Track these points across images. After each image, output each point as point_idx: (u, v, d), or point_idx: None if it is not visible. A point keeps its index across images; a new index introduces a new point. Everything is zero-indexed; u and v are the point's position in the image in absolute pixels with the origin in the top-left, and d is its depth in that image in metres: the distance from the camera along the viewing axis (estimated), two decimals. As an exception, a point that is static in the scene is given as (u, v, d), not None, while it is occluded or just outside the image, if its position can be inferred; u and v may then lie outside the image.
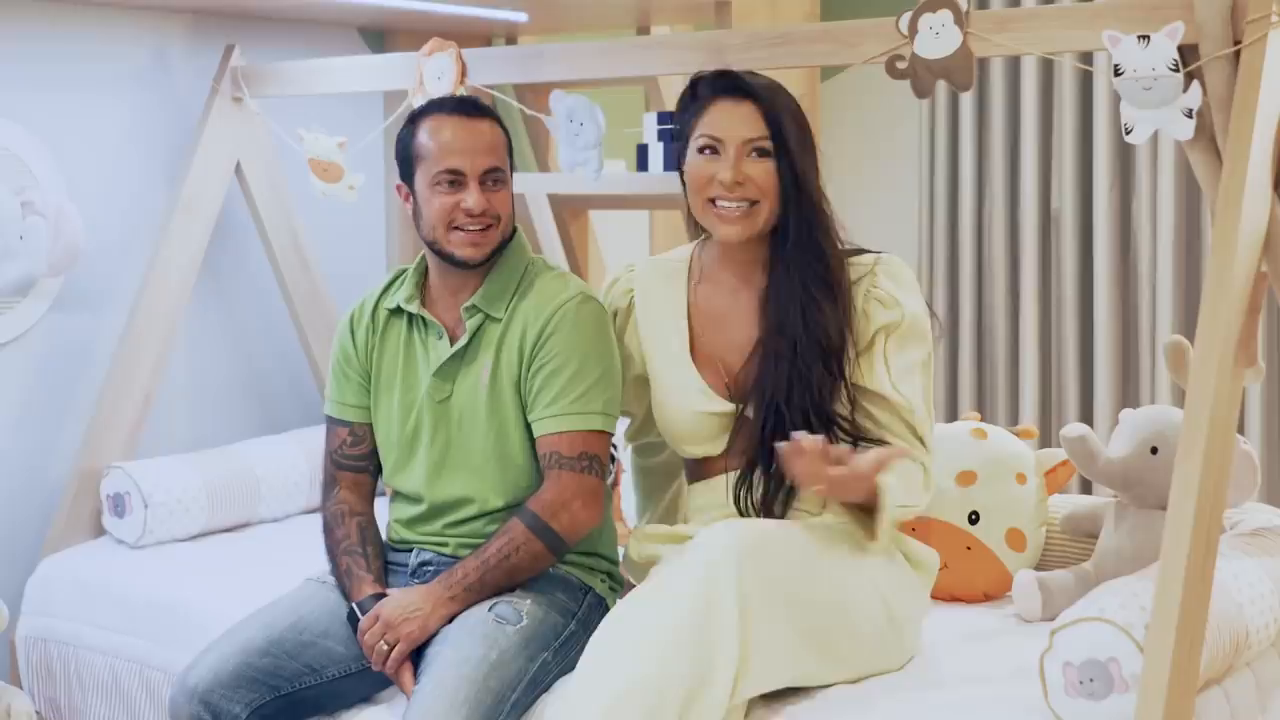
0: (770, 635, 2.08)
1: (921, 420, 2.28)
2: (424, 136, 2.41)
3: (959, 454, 2.77)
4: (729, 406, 2.36)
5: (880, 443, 2.27)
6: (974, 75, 2.31)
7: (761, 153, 2.30)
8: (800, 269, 2.30)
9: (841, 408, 2.29)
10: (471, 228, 2.38)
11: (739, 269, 2.39)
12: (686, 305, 2.45)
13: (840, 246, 2.35)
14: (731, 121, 2.30)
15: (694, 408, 2.38)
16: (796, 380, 2.27)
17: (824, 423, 2.27)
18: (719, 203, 2.31)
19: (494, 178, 2.39)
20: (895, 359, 2.29)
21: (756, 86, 2.32)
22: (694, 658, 2.02)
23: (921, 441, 2.29)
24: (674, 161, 2.44)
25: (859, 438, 2.28)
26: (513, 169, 2.47)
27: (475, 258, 2.39)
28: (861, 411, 2.30)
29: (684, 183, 2.39)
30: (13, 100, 3.17)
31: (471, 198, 2.37)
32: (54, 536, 3.16)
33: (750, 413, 2.33)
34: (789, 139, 2.30)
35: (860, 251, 2.37)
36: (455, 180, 2.38)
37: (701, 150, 2.32)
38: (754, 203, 2.30)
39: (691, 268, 2.47)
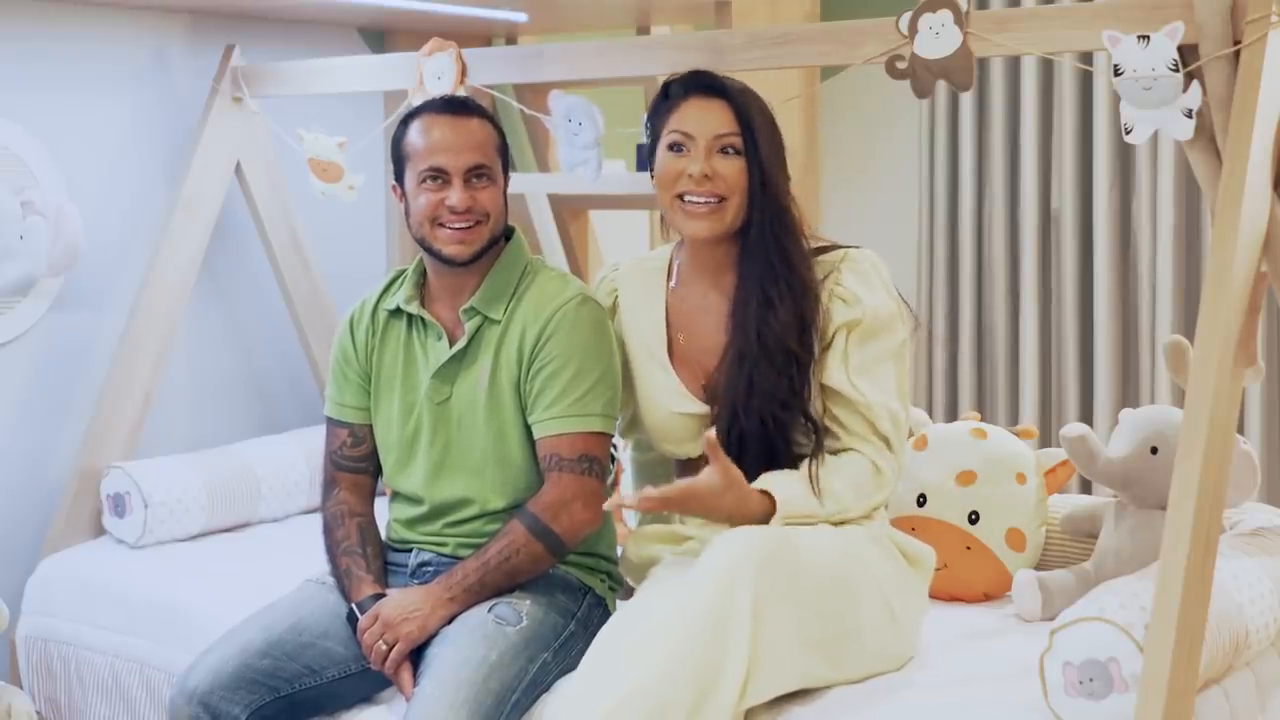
0: (780, 643, 2.08)
1: (883, 417, 2.28)
2: (412, 135, 2.42)
3: (959, 454, 2.77)
4: (703, 408, 2.36)
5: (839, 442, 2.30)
6: (974, 75, 2.31)
7: (731, 150, 2.31)
8: (759, 269, 2.31)
9: (802, 407, 2.29)
10: (456, 225, 2.37)
11: (710, 271, 2.40)
12: (665, 306, 2.45)
13: (808, 245, 2.35)
14: (702, 118, 2.31)
15: (670, 408, 2.39)
16: (756, 382, 2.27)
17: (780, 425, 2.28)
18: (687, 198, 2.31)
19: (478, 174, 2.39)
20: (855, 355, 2.29)
21: (728, 86, 2.34)
22: (702, 664, 2.02)
23: (883, 438, 2.29)
24: (647, 163, 2.44)
25: (819, 437, 2.30)
26: (508, 168, 2.46)
27: (461, 255, 2.39)
28: (826, 413, 2.30)
29: (654, 183, 2.41)
30: (13, 100, 3.17)
31: (455, 195, 2.37)
32: (54, 536, 3.16)
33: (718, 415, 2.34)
34: (759, 138, 2.31)
35: (831, 248, 2.38)
36: (439, 177, 2.38)
37: (671, 147, 2.33)
38: (721, 199, 2.31)
39: (670, 269, 2.48)
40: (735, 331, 2.33)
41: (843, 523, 2.28)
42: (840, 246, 2.38)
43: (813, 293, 2.31)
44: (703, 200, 2.30)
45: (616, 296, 2.51)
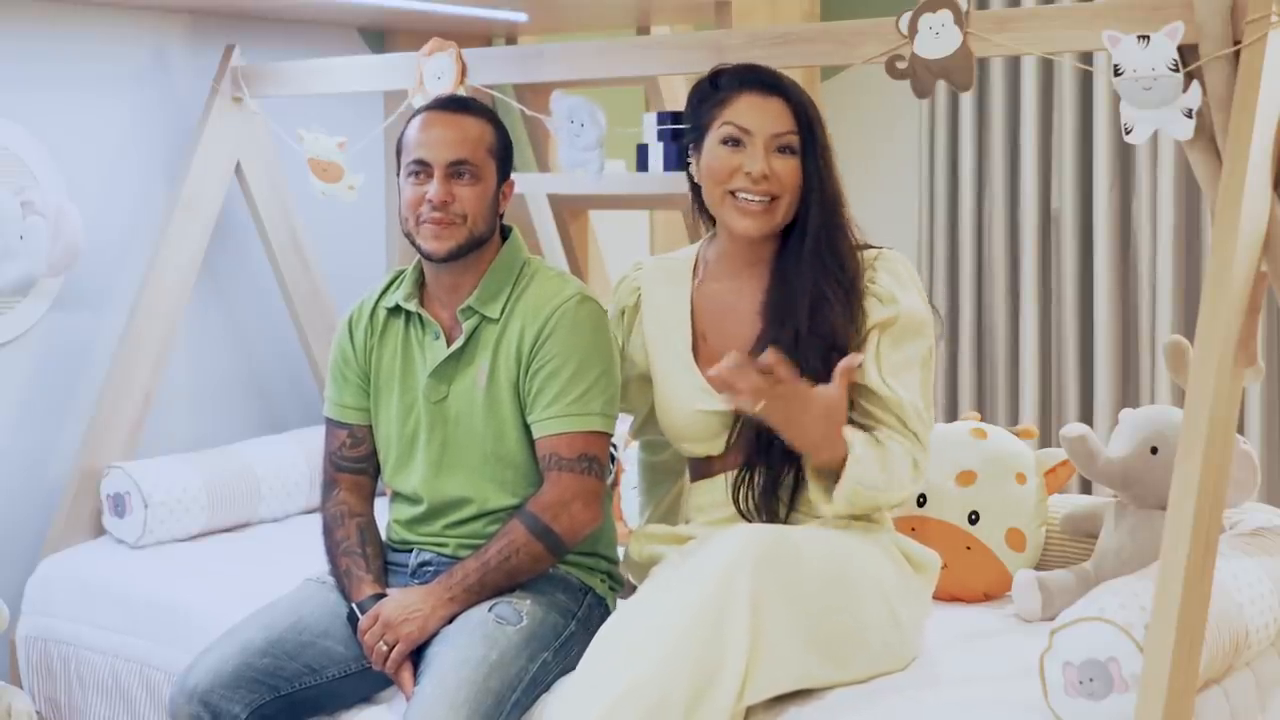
0: (779, 642, 2.08)
1: (913, 416, 2.27)
2: (409, 131, 2.43)
3: (959, 454, 2.76)
4: (728, 406, 2.35)
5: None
6: (974, 75, 2.31)
7: (787, 149, 2.30)
8: (815, 267, 2.30)
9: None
10: (435, 220, 2.37)
11: (744, 267, 2.39)
12: (690, 304, 2.45)
13: (856, 245, 2.35)
14: (760, 114, 2.30)
15: (695, 407, 2.38)
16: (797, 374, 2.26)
17: None
18: (740, 195, 2.30)
19: (460, 170, 2.38)
20: (889, 355, 2.28)
21: (785, 83, 2.33)
22: (700, 661, 2.02)
23: (915, 435, 2.28)
24: (677, 158, 2.42)
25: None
26: (505, 171, 2.45)
27: (438, 251, 2.38)
28: (856, 408, 2.30)
29: (691, 176, 2.39)
30: (13, 100, 3.18)
31: (433, 188, 2.37)
32: (54, 536, 3.16)
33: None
34: (816, 138, 2.31)
35: (864, 247, 2.37)
36: (422, 171, 2.39)
37: (725, 141, 2.31)
38: (774, 198, 2.30)
39: (696, 267, 2.47)
40: (773, 324, 2.32)
41: (854, 519, 2.29)
42: (871, 246, 2.38)
43: (859, 294, 2.30)
44: (757, 198, 2.29)
45: (640, 295, 2.51)
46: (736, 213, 2.31)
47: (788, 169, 2.30)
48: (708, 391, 2.37)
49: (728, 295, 2.41)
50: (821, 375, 2.23)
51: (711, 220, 2.42)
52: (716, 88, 2.35)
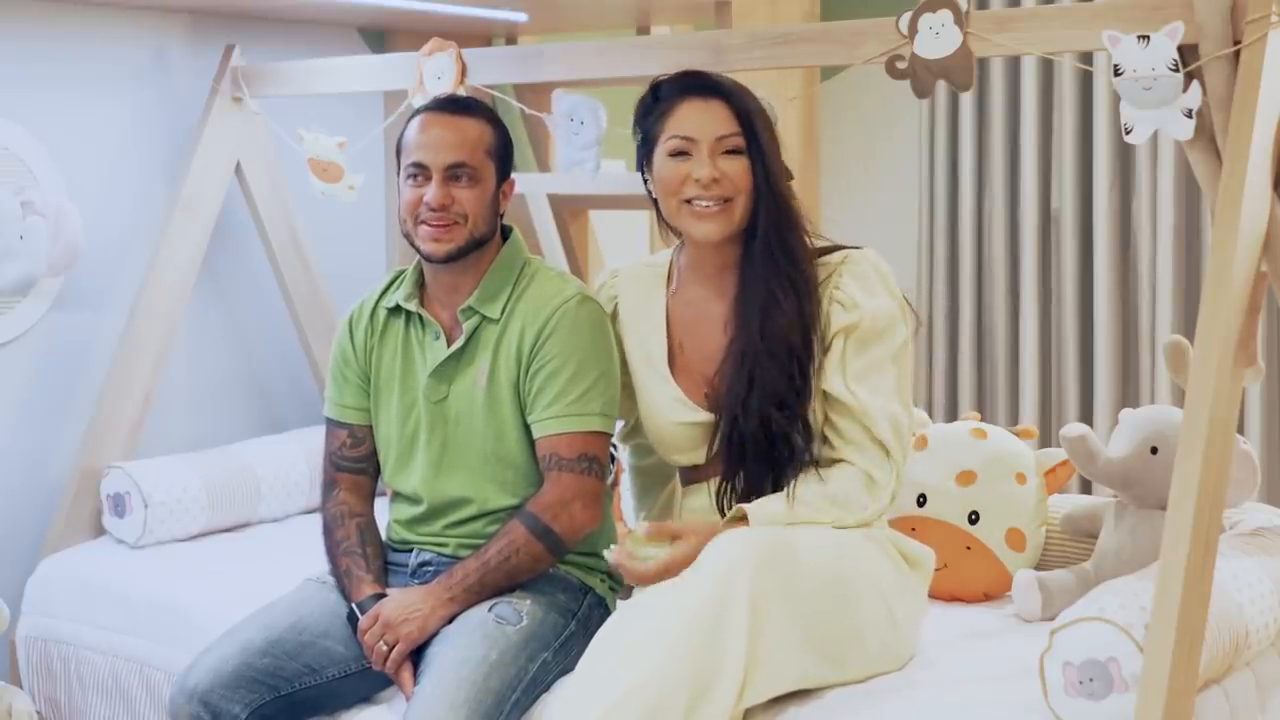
0: (777, 644, 2.08)
1: (880, 421, 2.25)
2: (408, 132, 2.43)
3: (959, 454, 2.77)
4: (707, 416, 2.34)
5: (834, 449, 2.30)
6: (974, 75, 2.31)
7: (734, 151, 2.29)
8: (767, 266, 2.29)
9: (804, 409, 2.28)
10: (432, 222, 2.37)
11: (712, 274, 2.39)
12: (665, 313, 2.44)
13: (810, 243, 2.34)
14: (703, 119, 2.30)
15: (674, 419, 2.38)
16: (757, 380, 2.26)
17: (779, 428, 2.26)
18: (695, 202, 2.30)
19: (458, 173, 2.38)
20: (853, 361, 2.27)
21: (724, 84, 2.32)
22: (699, 663, 2.02)
23: (881, 445, 2.26)
24: (639, 165, 2.41)
25: (810, 446, 2.29)
26: (504, 171, 2.45)
27: (437, 253, 2.38)
28: (825, 417, 2.29)
29: (649, 188, 2.39)
30: (13, 100, 3.18)
31: (431, 191, 2.37)
32: (54, 536, 3.16)
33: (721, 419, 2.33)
34: (760, 135, 2.30)
35: (834, 249, 2.36)
36: (420, 174, 2.39)
37: (673, 153, 2.31)
38: (728, 199, 2.29)
39: (670, 274, 2.47)
40: (738, 330, 2.32)
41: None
42: (842, 247, 2.37)
43: (815, 291, 2.30)
44: (710, 203, 2.29)
45: (616, 304, 2.50)
46: (693, 219, 2.31)
47: (737, 169, 2.29)
48: (684, 403, 2.37)
49: (700, 304, 2.41)
50: (781, 384, 2.24)
51: (676, 231, 2.41)
52: (658, 99, 2.35)
